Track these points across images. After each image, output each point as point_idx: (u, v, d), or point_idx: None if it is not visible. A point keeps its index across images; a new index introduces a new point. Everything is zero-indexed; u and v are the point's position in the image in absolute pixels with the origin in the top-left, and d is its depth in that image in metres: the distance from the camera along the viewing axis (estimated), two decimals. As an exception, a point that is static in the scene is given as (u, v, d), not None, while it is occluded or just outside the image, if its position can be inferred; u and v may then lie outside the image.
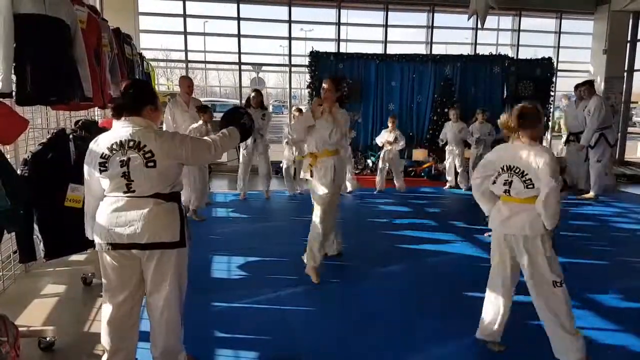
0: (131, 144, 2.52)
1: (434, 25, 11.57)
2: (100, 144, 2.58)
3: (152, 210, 2.53)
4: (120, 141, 2.53)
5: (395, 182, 8.85)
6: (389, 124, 8.66)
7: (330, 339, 3.42)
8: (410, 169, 10.46)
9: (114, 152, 2.52)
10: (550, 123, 11.95)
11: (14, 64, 2.95)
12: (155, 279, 2.62)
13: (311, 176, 4.40)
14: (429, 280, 4.55)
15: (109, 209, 2.57)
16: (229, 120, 3.06)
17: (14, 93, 2.99)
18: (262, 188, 8.14)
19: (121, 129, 2.57)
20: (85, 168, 2.63)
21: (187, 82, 6.98)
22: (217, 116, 13.98)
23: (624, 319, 3.75)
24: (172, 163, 2.60)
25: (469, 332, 3.44)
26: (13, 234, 3.61)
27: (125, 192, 2.55)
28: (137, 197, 2.54)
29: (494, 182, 3.05)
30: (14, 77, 2.98)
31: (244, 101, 11.53)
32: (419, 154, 10.63)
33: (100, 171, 2.55)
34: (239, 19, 10.75)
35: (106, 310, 2.70)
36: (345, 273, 4.66)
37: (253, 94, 7.66)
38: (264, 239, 5.88)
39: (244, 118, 3.07)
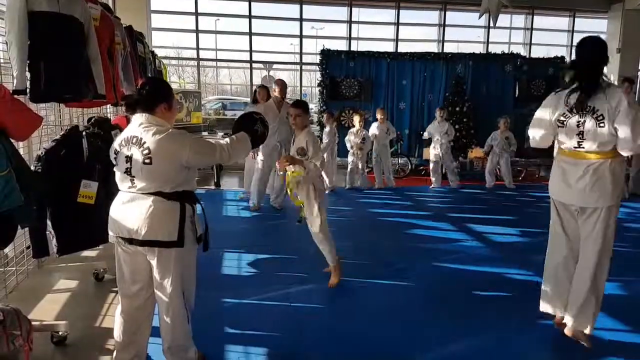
0: (134, 140, 2.55)
1: (446, 23, 11.53)
2: (117, 140, 2.66)
3: (150, 208, 2.54)
4: (127, 137, 2.58)
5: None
6: (356, 123, 8.63)
7: (339, 336, 3.43)
8: (421, 167, 10.43)
9: (122, 147, 2.58)
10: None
11: (28, 62, 2.99)
12: (158, 276, 2.64)
13: None
14: (439, 279, 4.54)
15: (118, 203, 2.64)
16: (240, 125, 2.97)
17: (28, 90, 3.03)
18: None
19: (132, 125, 2.62)
20: None
21: (275, 85, 6.86)
22: (228, 114, 13.95)
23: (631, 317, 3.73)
24: (170, 162, 2.54)
25: (481, 331, 3.45)
26: (26, 229, 3.65)
27: (129, 188, 2.59)
28: (140, 193, 2.57)
29: None
30: (28, 75, 3.01)
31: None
32: (429, 153, 10.58)
33: (114, 166, 2.64)
34: (250, 17, 10.78)
35: (120, 302, 2.75)
36: (355, 271, 4.65)
37: (258, 90, 7.36)
38: (273, 236, 5.89)
39: (257, 124, 2.95)
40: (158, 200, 2.55)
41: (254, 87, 7.72)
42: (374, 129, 8.85)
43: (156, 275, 2.64)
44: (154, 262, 2.62)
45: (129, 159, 2.54)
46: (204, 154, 2.68)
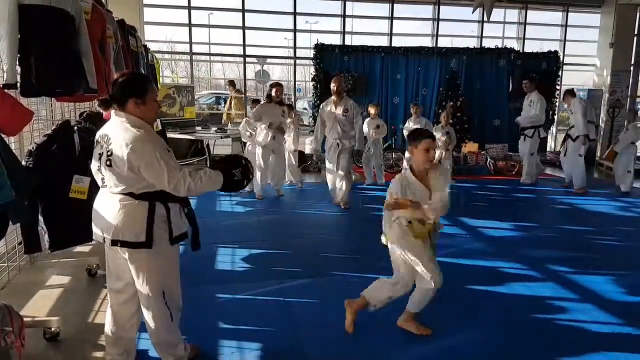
0: (106, 138, 2.49)
1: (440, 17, 11.52)
2: (98, 133, 2.62)
3: (118, 208, 2.48)
4: (102, 134, 2.54)
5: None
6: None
7: (333, 331, 3.42)
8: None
9: (96, 145, 2.56)
10: (556, 117, 11.90)
11: (18, 55, 2.95)
12: (134, 275, 2.60)
13: None
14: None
15: (96, 200, 2.63)
16: (221, 163, 2.71)
17: (18, 84, 2.99)
18: (272, 183, 7.64)
19: (109, 122, 2.58)
20: None
21: (332, 82, 6.94)
22: (222, 109, 13.81)
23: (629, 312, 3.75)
24: (129, 169, 2.39)
25: (477, 326, 3.45)
26: (18, 225, 3.63)
27: (102, 186, 2.57)
28: (110, 192, 2.52)
29: None
30: (18, 69, 2.98)
31: (248, 94, 11.57)
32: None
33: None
34: (243, 10, 10.72)
35: (109, 297, 2.76)
36: (349, 266, 4.66)
37: (275, 89, 7.16)
38: (268, 231, 5.88)
39: (237, 170, 2.65)
40: (126, 200, 2.48)
41: (272, 89, 7.24)
42: (411, 125, 8.46)
43: (133, 274, 2.61)
44: (127, 262, 2.58)
45: (100, 156, 2.50)
46: (157, 176, 2.41)
